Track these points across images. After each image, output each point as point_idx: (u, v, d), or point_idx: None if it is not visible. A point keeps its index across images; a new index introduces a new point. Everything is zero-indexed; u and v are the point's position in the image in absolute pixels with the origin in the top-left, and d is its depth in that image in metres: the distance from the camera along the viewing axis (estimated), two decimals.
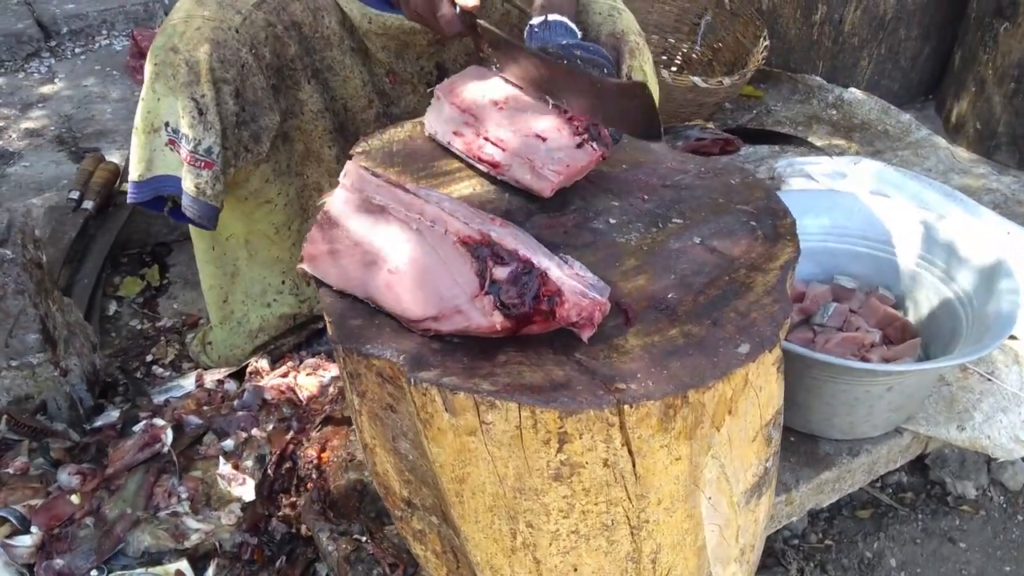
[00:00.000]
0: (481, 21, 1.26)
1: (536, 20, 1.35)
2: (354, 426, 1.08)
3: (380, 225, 0.97)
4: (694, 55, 2.83)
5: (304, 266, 1.02)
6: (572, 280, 0.93)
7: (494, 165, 1.16)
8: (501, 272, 0.88)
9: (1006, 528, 1.72)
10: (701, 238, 1.09)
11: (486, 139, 1.16)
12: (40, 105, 2.82)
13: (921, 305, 1.65)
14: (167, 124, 1.41)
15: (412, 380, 0.88)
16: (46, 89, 2.92)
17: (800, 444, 1.57)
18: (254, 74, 1.44)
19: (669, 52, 2.86)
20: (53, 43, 3.19)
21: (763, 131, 2.52)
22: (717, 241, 1.09)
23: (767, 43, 2.51)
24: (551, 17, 1.32)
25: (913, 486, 1.82)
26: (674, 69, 2.84)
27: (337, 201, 1.01)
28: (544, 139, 1.15)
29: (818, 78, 2.82)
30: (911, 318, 1.65)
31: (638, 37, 1.52)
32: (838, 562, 1.67)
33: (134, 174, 1.45)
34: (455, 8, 1.27)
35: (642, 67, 1.49)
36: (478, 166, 1.18)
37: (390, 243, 0.96)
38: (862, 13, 2.71)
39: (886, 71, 2.81)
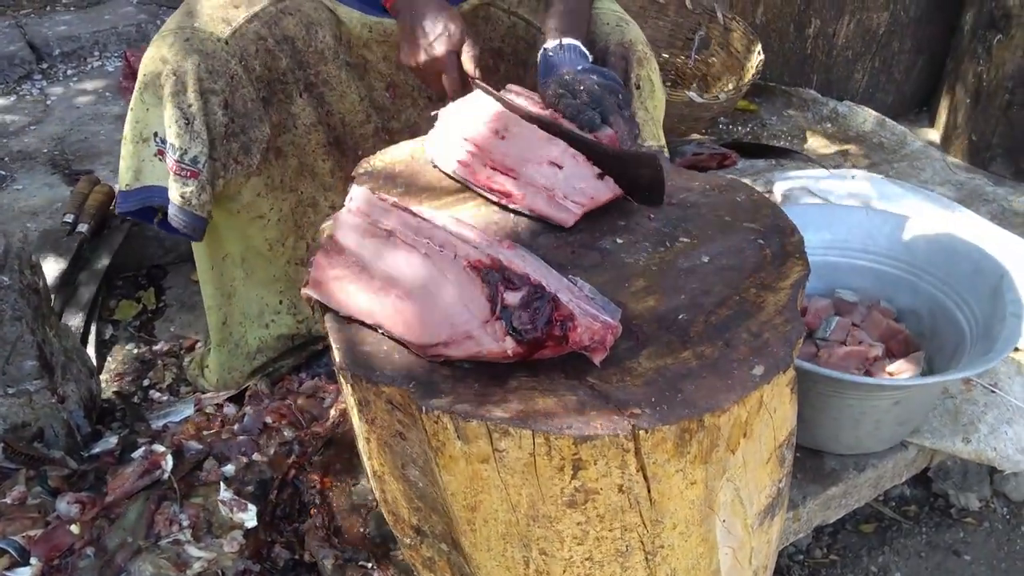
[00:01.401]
0: (480, 84, 1.28)
1: (551, 44, 1.36)
2: (361, 453, 1.06)
3: (388, 250, 0.96)
4: (688, 69, 2.83)
5: (309, 291, 1.00)
6: (583, 303, 0.92)
7: (506, 195, 1.15)
8: (512, 297, 0.87)
9: (1010, 539, 1.72)
10: (710, 257, 1.08)
11: (494, 168, 1.15)
12: (33, 128, 2.80)
13: (923, 318, 1.65)
14: (155, 134, 1.41)
15: (423, 408, 0.86)
16: (39, 111, 2.90)
17: (806, 460, 1.56)
18: (243, 86, 1.43)
19: (663, 67, 2.86)
20: (45, 65, 3.17)
21: (760, 145, 2.53)
22: (726, 260, 1.08)
23: (761, 57, 2.52)
24: (565, 41, 1.33)
25: (916, 499, 1.81)
26: (669, 84, 2.85)
27: (343, 226, 1.00)
28: (560, 167, 1.14)
29: (812, 91, 2.83)
30: (913, 331, 1.65)
31: (645, 47, 1.53)
32: None
33: (122, 183, 1.45)
34: (460, 73, 1.32)
35: (650, 76, 1.50)
36: (488, 196, 1.17)
37: (398, 268, 0.94)
38: (855, 26, 2.73)
39: (880, 84, 2.83)
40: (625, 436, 0.84)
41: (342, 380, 0.98)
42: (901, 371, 1.57)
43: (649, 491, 0.89)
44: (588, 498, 0.88)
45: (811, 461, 1.56)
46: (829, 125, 2.74)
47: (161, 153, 1.43)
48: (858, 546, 1.72)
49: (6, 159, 2.61)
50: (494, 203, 1.17)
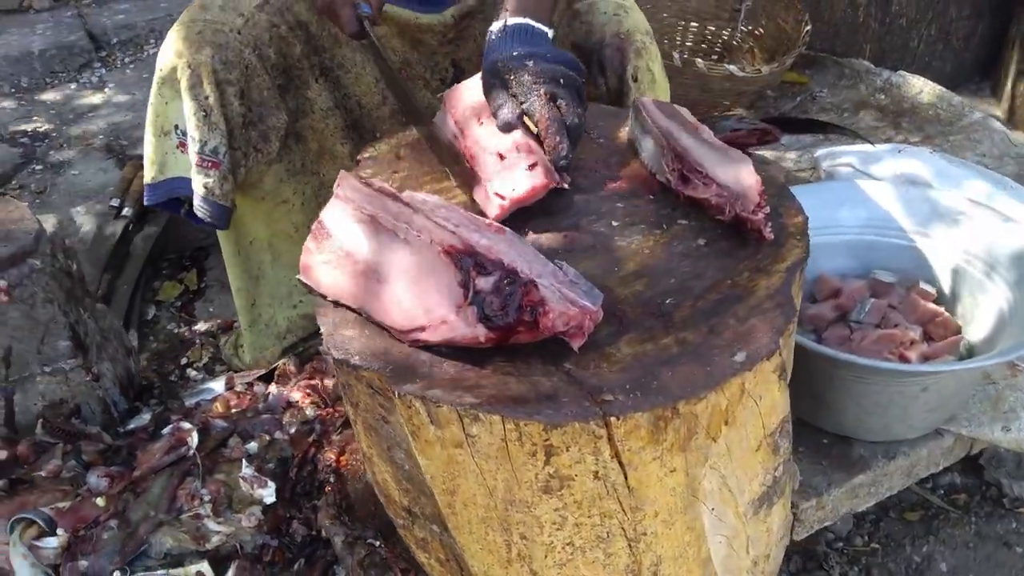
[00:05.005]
0: (372, 36, 1.27)
1: (495, 26, 1.23)
2: (354, 435, 1.08)
3: (370, 235, 0.96)
4: (734, 42, 2.75)
5: (300, 276, 1.02)
6: (565, 289, 0.91)
7: (467, 186, 1.14)
8: (484, 283, 0.86)
9: None
10: (706, 240, 1.06)
11: (465, 156, 1.14)
12: (91, 115, 2.90)
13: (965, 300, 1.58)
14: (176, 127, 1.45)
15: (397, 392, 0.87)
16: (97, 99, 3.00)
17: (833, 446, 1.52)
18: (259, 75, 1.45)
19: (708, 40, 2.79)
20: (104, 53, 3.27)
21: (804, 120, 2.45)
22: (723, 242, 1.05)
23: (808, 28, 2.43)
24: (511, 21, 1.20)
25: (967, 487, 1.74)
26: (714, 58, 2.77)
27: (331, 210, 1.01)
28: (503, 158, 1.11)
29: (865, 62, 2.72)
30: (955, 314, 1.58)
31: (645, 36, 1.48)
32: (884, 566, 1.61)
33: (148, 177, 1.49)
34: (355, 10, 1.29)
35: (649, 67, 1.45)
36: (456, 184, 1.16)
37: (379, 253, 0.95)
38: None
39: (937, 52, 2.69)
40: (596, 423, 0.83)
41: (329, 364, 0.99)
42: (938, 355, 1.51)
43: (626, 478, 0.88)
44: (563, 484, 0.88)
45: (838, 448, 1.52)
46: (882, 97, 2.62)
47: (182, 145, 1.47)
48: (901, 535, 1.66)
49: (64, 145, 2.71)
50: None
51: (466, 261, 0.88)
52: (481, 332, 0.86)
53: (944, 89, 2.57)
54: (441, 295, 0.89)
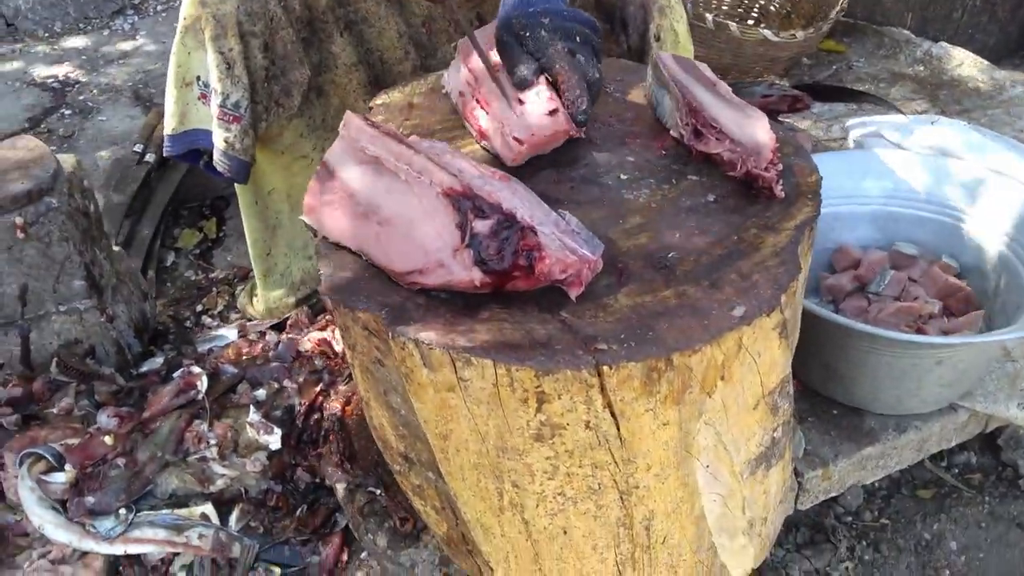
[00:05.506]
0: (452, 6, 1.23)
1: None
2: (353, 379, 1.08)
3: (372, 176, 0.96)
4: (772, 7, 2.69)
5: (303, 217, 1.02)
6: (565, 237, 0.89)
7: (481, 134, 1.12)
8: (481, 226, 0.85)
9: None
10: (716, 196, 1.03)
11: (477, 102, 1.12)
12: (121, 62, 2.92)
13: (988, 275, 1.54)
14: (198, 78, 1.44)
15: (391, 334, 0.87)
16: (127, 46, 3.01)
17: (843, 417, 1.50)
18: (283, 27, 1.44)
19: (746, 4, 2.73)
20: (137, 0, 3.28)
21: (836, 87, 2.39)
22: (733, 199, 1.03)
23: None
24: None
25: (982, 467, 1.71)
26: (750, 22, 2.71)
27: (335, 151, 1.00)
28: (523, 103, 1.09)
29: (906, 31, 2.64)
30: (977, 289, 1.54)
31: None
32: (893, 542, 1.60)
33: (168, 128, 1.49)
34: None
35: (673, 27, 1.42)
36: (471, 131, 1.15)
37: (380, 194, 0.94)
38: None
39: (981, 24, 2.61)
40: (588, 371, 0.82)
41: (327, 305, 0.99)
42: (957, 330, 1.48)
43: (618, 429, 0.87)
44: (555, 432, 0.87)
45: (848, 419, 1.49)
46: (921, 68, 2.55)
47: (204, 97, 1.45)
48: (912, 511, 1.64)
49: (95, 91, 2.73)
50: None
51: (464, 203, 0.86)
52: (476, 276, 0.85)
53: (986, 62, 2.50)
54: (439, 237, 0.88)
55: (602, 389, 0.83)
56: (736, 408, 0.91)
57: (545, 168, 1.10)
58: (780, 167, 1.01)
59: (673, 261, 0.93)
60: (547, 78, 1.11)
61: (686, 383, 0.85)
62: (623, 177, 1.07)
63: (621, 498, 0.93)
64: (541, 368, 0.82)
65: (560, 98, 1.10)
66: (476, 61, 1.17)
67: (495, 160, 1.12)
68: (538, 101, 1.09)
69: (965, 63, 2.51)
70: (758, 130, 1.03)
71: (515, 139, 1.07)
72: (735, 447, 0.95)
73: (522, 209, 0.89)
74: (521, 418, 0.86)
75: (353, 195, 0.96)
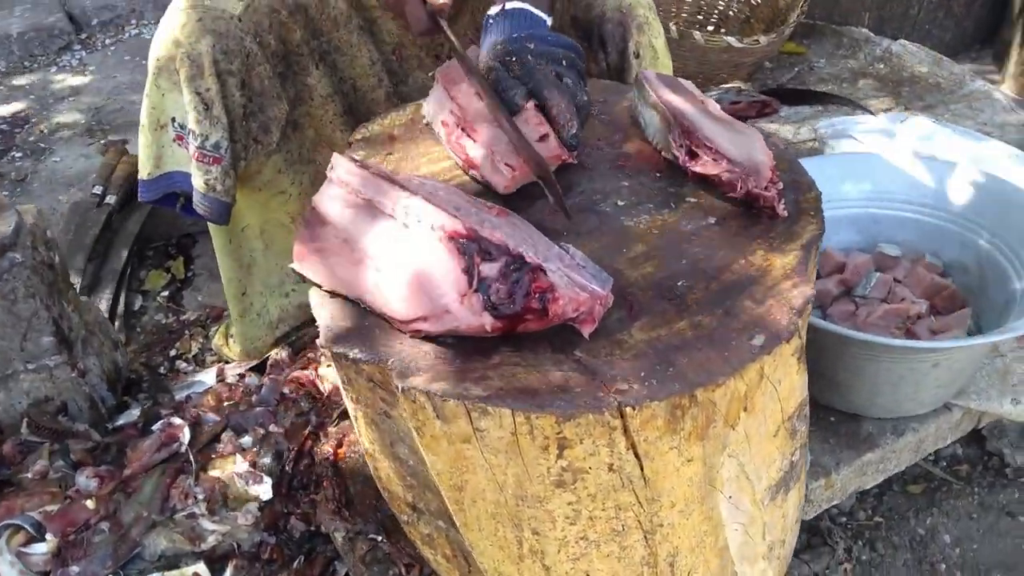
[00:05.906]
0: (445, 27, 1.20)
1: (493, 10, 1.21)
2: (355, 429, 1.03)
3: (367, 221, 0.92)
4: (731, 12, 2.70)
5: (294, 265, 0.97)
6: (572, 273, 0.86)
7: (469, 163, 1.09)
8: (489, 269, 0.82)
9: None
10: (716, 218, 1.01)
11: (463, 130, 1.09)
12: (71, 99, 2.83)
13: (971, 272, 1.54)
14: (173, 120, 1.38)
15: (400, 387, 0.83)
16: (77, 82, 2.92)
17: (841, 424, 1.49)
18: (259, 63, 1.39)
19: (705, 11, 2.73)
20: (84, 35, 3.20)
21: (803, 91, 2.39)
22: (734, 221, 1.00)
23: None
24: (508, 5, 1.19)
25: (969, 458, 1.72)
26: (710, 28, 2.72)
27: (324, 195, 0.96)
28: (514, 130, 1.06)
29: (864, 30, 2.66)
30: (961, 286, 1.55)
31: (647, 11, 1.43)
32: (888, 540, 1.59)
33: (143, 172, 1.43)
34: (424, 6, 1.21)
35: (651, 43, 1.40)
36: (457, 161, 1.11)
37: (377, 240, 0.90)
38: None
39: (937, 19, 2.64)
40: (611, 413, 0.79)
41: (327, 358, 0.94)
42: (945, 329, 1.48)
43: (642, 469, 0.84)
44: (577, 477, 0.84)
45: (846, 426, 1.49)
46: (882, 66, 2.57)
47: (180, 138, 1.40)
48: (905, 507, 1.64)
49: (45, 131, 2.64)
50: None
51: (469, 246, 0.83)
52: (487, 321, 0.82)
53: (944, 57, 2.53)
54: (443, 283, 0.84)
55: (625, 430, 0.80)
56: (758, 437, 0.89)
57: (539, 197, 1.07)
58: (780, 185, 0.99)
59: (683, 290, 0.91)
60: (535, 103, 1.09)
61: (710, 418, 0.82)
62: (620, 203, 1.05)
63: (645, 537, 0.90)
64: (562, 414, 0.79)
65: (550, 123, 1.07)
66: (462, 88, 1.14)
67: (486, 190, 1.08)
68: (528, 127, 1.06)
69: (925, 60, 2.54)
70: (754, 148, 1.02)
71: (507, 165, 1.04)
72: (757, 476, 0.92)
73: (527, 247, 0.86)
74: (541, 465, 0.83)
75: (347, 241, 0.92)
